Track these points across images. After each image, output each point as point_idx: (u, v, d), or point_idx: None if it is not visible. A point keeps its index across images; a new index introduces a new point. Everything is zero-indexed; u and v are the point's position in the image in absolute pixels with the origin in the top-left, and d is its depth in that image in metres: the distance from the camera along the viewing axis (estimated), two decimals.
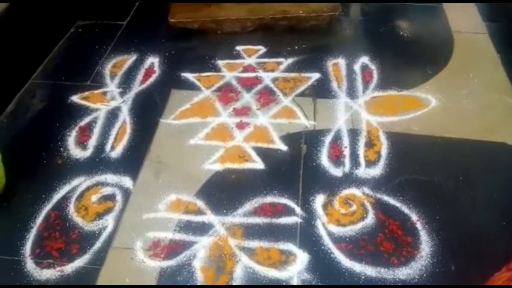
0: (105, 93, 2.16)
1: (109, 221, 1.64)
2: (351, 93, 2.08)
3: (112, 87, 2.19)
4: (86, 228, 1.62)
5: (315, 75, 2.18)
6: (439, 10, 2.59)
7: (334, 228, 1.57)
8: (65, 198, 1.71)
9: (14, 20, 2.15)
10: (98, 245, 1.56)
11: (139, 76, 2.25)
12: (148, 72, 2.27)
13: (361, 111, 1.99)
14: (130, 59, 2.36)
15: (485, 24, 2.45)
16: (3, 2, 2.11)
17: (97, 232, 1.60)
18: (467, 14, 2.54)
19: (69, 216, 1.65)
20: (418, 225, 1.55)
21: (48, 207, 1.69)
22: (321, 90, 2.10)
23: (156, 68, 2.29)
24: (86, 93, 2.16)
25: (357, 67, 2.22)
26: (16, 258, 1.54)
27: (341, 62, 2.25)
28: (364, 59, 2.25)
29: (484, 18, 2.49)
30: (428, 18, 2.56)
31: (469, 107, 1.97)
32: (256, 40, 2.43)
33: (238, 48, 2.39)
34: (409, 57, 2.32)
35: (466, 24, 2.47)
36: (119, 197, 1.71)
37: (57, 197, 1.72)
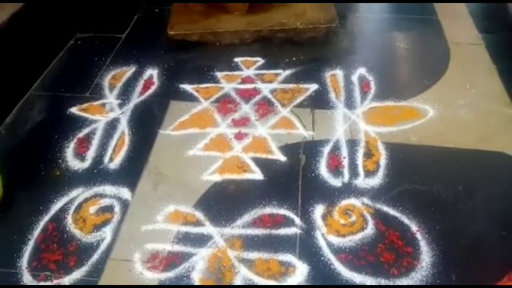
0: (104, 105, 2.16)
1: (107, 232, 1.62)
2: (349, 103, 2.09)
3: (111, 98, 2.20)
4: (83, 240, 1.60)
5: (313, 86, 2.19)
6: (435, 22, 2.63)
7: (334, 239, 1.56)
8: (63, 210, 1.70)
9: (13, 32, 2.16)
10: (95, 257, 1.55)
11: (138, 88, 2.25)
12: (147, 84, 2.28)
13: (359, 121, 1.99)
14: (130, 70, 2.37)
15: (481, 35, 2.48)
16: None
17: (95, 244, 1.59)
18: (463, 26, 2.58)
19: (67, 228, 1.64)
20: (418, 236, 1.55)
21: (45, 218, 1.68)
22: (319, 101, 2.11)
23: (155, 80, 2.30)
24: (85, 105, 2.17)
25: (354, 78, 2.23)
26: (13, 271, 1.52)
27: (339, 73, 2.27)
28: (362, 70, 2.27)
29: (480, 29, 2.52)
30: (424, 30, 2.59)
31: (467, 117, 1.98)
32: (254, 52, 2.45)
33: (237, 60, 2.40)
34: (406, 68, 2.35)
35: (462, 35, 2.49)
36: (117, 209, 1.70)
37: (55, 208, 1.71)
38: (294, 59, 2.38)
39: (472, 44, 2.43)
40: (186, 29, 2.49)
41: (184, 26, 2.51)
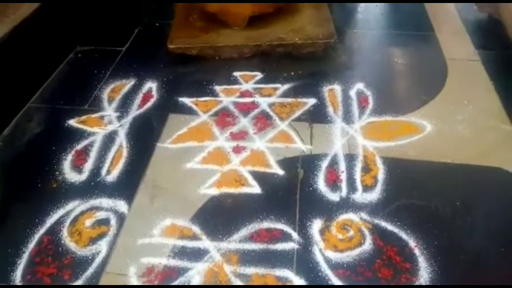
0: (102, 117, 2.17)
1: (103, 246, 1.61)
2: (347, 118, 2.09)
3: (109, 111, 2.20)
4: (78, 253, 1.59)
5: (311, 101, 2.20)
6: (432, 38, 2.65)
7: (332, 254, 1.54)
8: (59, 223, 1.69)
9: (14, 45, 2.18)
10: (90, 270, 1.53)
11: (137, 100, 2.26)
12: (146, 97, 2.29)
13: (357, 136, 2.00)
14: (129, 83, 2.38)
15: (478, 52, 2.50)
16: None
17: (90, 257, 1.57)
18: (460, 42, 2.60)
19: (62, 241, 1.63)
20: (416, 251, 1.53)
21: (41, 231, 1.66)
22: (317, 115, 2.12)
23: (154, 93, 2.31)
24: (84, 117, 2.17)
25: (352, 93, 2.24)
26: (5, 284, 1.50)
27: (337, 87, 2.28)
28: (360, 85, 2.28)
29: (477, 46, 2.54)
30: (422, 46, 2.61)
31: (464, 132, 1.99)
32: (253, 66, 2.46)
33: (236, 74, 2.42)
34: (404, 83, 2.36)
35: (459, 51, 2.51)
36: (113, 222, 1.69)
37: (50, 221, 1.70)
38: (293, 73, 2.39)
39: (469, 60, 2.45)
40: (186, 43, 2.51)
41: (184, 40, 2.53)
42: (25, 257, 1.58)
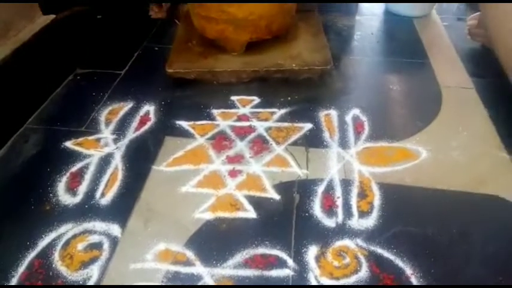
0: (99, 140, 2.17)
1: (94, 270, 1.57)
2: (343, 143, 2.10)
3: (106, 133, 2.20)
4: (69, 278, 1.55)
5: (308, 126, 2.21)
6: (427, 65, 2.70)
7: (327, 282, 1.52)
8: (50, 246, 1.66)
9: (15, 67, 2.20)
10: None
11: (134, 123, 2.27)
12: (144, 120, 2.29)
13: (353, 161, 2.00)
14: (127, 106, 2.40)
15: (472, 79, 2.54)
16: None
17: (81, 282, 1.54)
18: (454, 70, 2.65)
19: (53, 265, 1.59)
20: (413, 280, 1.51)
21: (32, 254, 1.63)
22: (314, 140, 2.13)
23: (152, 116, 2.32)
24: (80, 139, 2.17)
25: (348, 118, 2.26)
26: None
27: (333, 113, 2.30)
28: (356, 111, 2.31)
29: (471, 74, 2.59)
30: (417, 73, 2.66)
31: (459, 159, 2.00)
32: (250, 91, 2.49)
33: (233, 98, 2.44)
34: (399, 109, 2.39)
35: (454, 79, 2.56)
36: (106, 246, 1.66)
37: (42, 244, 1.66)
38: (289, 98, 2.42)
39: (463, 88, 2.49)
40: (184, 67, 2.54)
41: (182, 65, 2.56)
42: (14, 282, 1.54)
